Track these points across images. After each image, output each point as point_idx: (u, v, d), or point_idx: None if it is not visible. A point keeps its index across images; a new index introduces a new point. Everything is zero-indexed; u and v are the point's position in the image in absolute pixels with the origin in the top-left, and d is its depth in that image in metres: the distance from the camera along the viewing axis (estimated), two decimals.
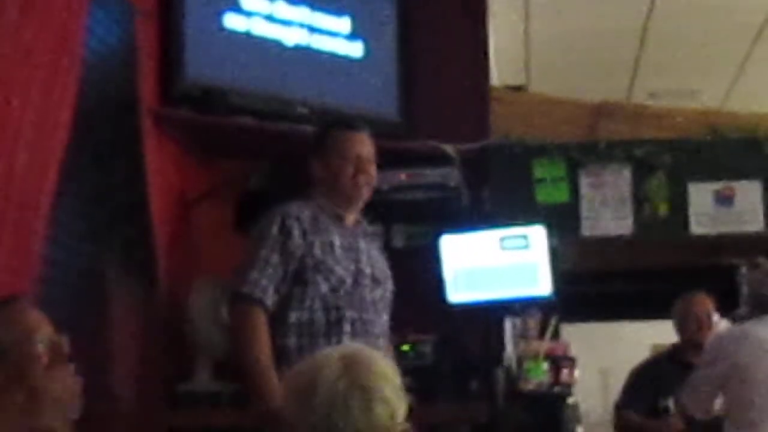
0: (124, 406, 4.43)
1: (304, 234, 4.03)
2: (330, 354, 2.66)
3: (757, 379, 5.07)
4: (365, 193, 4.19)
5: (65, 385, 2.68)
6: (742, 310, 5.62)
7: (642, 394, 6.22)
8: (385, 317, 4.20)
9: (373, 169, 4.18)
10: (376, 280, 4.18)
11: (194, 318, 4.80)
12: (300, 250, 4.02)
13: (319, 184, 4.19)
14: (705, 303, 6.23)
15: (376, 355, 2.70)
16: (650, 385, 6.16)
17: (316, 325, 3.98)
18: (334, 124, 4.32)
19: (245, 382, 3.92)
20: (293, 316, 3.99)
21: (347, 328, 4.00)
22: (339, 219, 4.16)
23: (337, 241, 4.09)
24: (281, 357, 3.87)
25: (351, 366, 2.60)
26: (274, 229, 4.01)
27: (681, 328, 6.25)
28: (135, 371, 4.57)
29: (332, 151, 4.17)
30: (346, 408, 2.53)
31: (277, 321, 3.97)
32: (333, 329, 3.98)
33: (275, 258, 3.99)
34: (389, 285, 4.27)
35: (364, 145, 4.19)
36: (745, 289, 5.55)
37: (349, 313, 4.03)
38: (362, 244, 4.19)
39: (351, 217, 4.22)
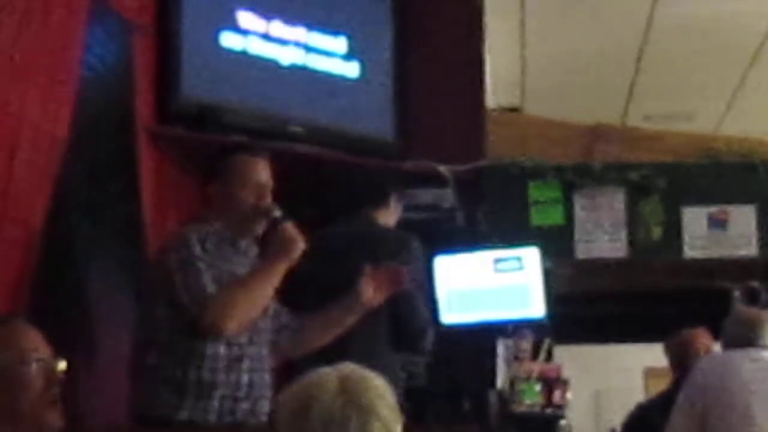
0: (116, 423, 4.41)
1: (211, 264, 3.85)
2: (326, 373, 2.66)
3: (737, 411, 5.08)
4: (263, 223, 4.00)
5: (53, 412, 2.68)
6: (728, 336, 5.55)
7: None
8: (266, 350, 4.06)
9: (270, 198, 4.01)
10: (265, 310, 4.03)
11: None
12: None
13: (216, 208, 4.00)
14: (705, 340, 6.03)
15: (371, 375, 2.70)
16: None
17: (219, 362, 3.81)
18: (235, 149, 4.15)
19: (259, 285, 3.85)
20: (209, 349, 3.80)
21: (246, 364, 3.87)
22: (235, 245, 3.99)
23: (239, 272, 3.92)
24: (201, 389, 3.78)
25: (347, 384, 2.60)
26: (196, 250, 3.80)
27: (679, 366, 6.01)
28: (123, 390, 4.55)
29: (232, 176, 3.99)
30: (344, 427, 2.54)
31: (194, 353, 3.79)
32: (233, 364, 3.84)
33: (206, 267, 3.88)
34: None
35: (264, 172, 4.03)
36: (731, 323, 5.50)
37: (251, 349, 3.90)
38: None
39: (245, 244, 4.04)
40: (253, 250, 4.04)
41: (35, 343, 2.68)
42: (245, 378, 3.83)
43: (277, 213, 3.90)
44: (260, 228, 3.96)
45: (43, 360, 2.67)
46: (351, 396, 2.57)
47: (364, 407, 2.57)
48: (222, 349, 3.79)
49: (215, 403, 3.78)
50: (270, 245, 3.87)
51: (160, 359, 3.77)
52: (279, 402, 2.70)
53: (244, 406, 3.83)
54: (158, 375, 3.76)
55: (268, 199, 3.97)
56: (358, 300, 4.12)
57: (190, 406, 3.74)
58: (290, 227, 3.86)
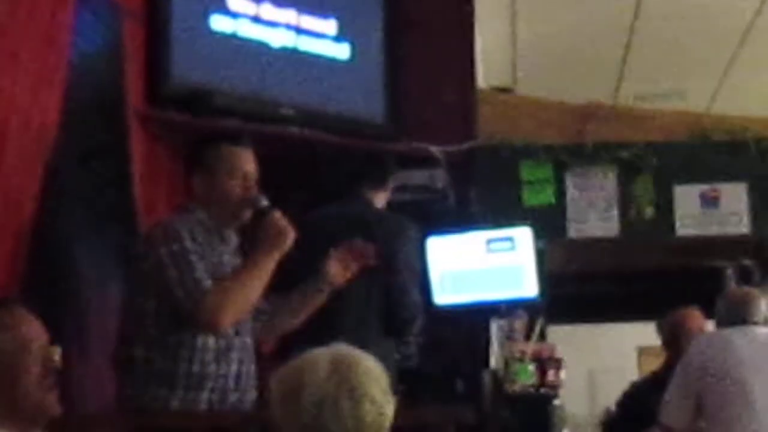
0: (105, 409, 4.41)
1: (201, 256, 3.83)
2: (318, 355, 2.67)
3: (733, 389, 5.09)
4: (249, 213, 3.98)
5: (51, 397, 2.69)
6: (721, 314, 5.55)
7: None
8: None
9: (256, 188, 3.99)
10: None
11: None
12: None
13: (200, 199, 3.96)
14: (698, 319, 5.98)
15: (363, 356, 2.70)
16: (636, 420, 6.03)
17: (207, 353, 3.81)
18: (220, 139, 4.09)
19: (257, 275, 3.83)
20: (199, 342, 3.80)
21: (235, 355, 3.88)
22: (221, 236, 3.97)
23: (226, 264, 3.91)
24: (191, 381, 3.78)
25: (339, 366, 2.61)
26: (188, 243, 3.77)
27: (672, 346, 5.98)
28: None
29: (219, 167, 3.95)
30: (336, 408, 2.54)
31: (184, 346, 3.78)
32: (222, 356, 3.85)
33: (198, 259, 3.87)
34: None
35: (251, 163, 3.99)
36: (723, 302, 5.50)
37: (237, 340, 3.91)
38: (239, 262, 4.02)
39: (230, 234, 4.02)
40: (234, 239, 4.02)
41: (36, 330, 2.70)
42: (234, 369, 3.84)
43: (264, 203, 3.89)
44: (246, 217, 3.95)
45: (42, 347, 2.68)
46: (342, 377, 2.58)
47: (356, 388, 2.58)
48: (211, 341, 3.79)
49: (205, 395, 3.78)
50: (260, 236, 3.85)
51: (149, 352, 3.76)
52: (272, 384, 2.70)
53: (233, 397, 3.83)
54: (147, 368, 3.75)
55: (255, 190, 3.94)
56: (324, 279, 4.12)
57: (180, 398, 3.74)
58: (279, 217, 3.85)
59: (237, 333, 3.87)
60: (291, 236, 3.82)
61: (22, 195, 3.62)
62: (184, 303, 3.70)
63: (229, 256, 3.93)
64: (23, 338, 2.66)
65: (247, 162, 3.98)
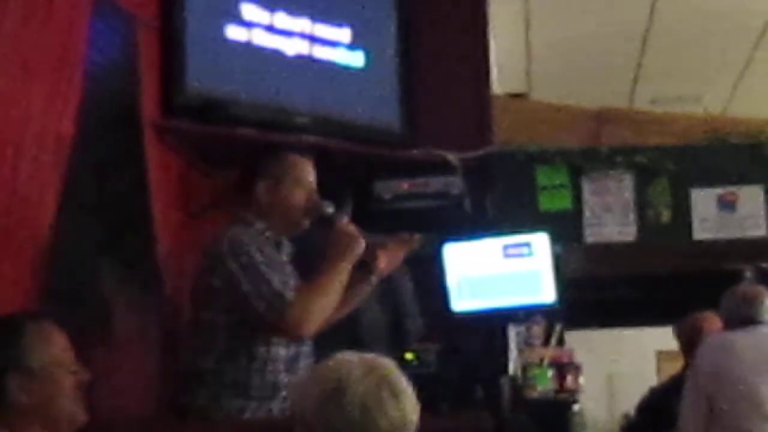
0: (130, 418, 4.42)
1: (272, 267, 3.88)
2: (347, 357, 2.73)
3: (743, 391, 5.08)
4: (308, 221, 4.08)
5: (79, 409, 2.73)
6: (728, 314, 5.53)
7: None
8: None
9: (318, 197, 4.10)
10: None
11: None
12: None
13: (261, 209, 4.04)
14: (715, 323, 5.96)
15: (385, 358, 2.77)
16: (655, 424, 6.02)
17: (278, 362, 3.89)
18: (286, 149, 4.21)
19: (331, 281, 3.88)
20: (270, 352, 3.88)
21: (302, 363, 3.94)
22: (278, 246, 4.05)
23: (289, 273, 3.97)
24: (265, 391, 3.86)
25: (373, 366, 2.68)
26: (257, 255, 3.84)
27: (690, 350, 5.95)
28: (141, 384, 4.57)
29: (288, 177, 4.07)
30: (380, 403, 2.60)
31: (257, 358, 3.86)
32: (292, 364, 3.91)
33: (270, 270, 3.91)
34: None
35: (312, 173, 4.12)
36: (731, 301, 5.49)
37: (304, 348, 3.99)
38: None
39: (285, 242, 4.11)
40: (288, 247, 4.10)
41: (65, 346, 2.76)
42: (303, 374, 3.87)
43: (331, 210, 3.97)
44: (305, 225, 4.05)
45: (72, 363, 2.73)
46: (380, 376, 2.65)
47: (395, 385, 2.64)
48: (282, 351, 3.88)
49: (277, 404, 3.85)
50: (330, 244, 3.91)
51: (220, 363, 3.84)
52: (301, 392, 2.73)
53: None
54: (219, 379, 3.83)
55: (318, 198, 4.06)
56: (374, 272, 4.23)
57: (253, 409, 3.81)
58: (346, 224, 3.95)
59: (303, 341, 3.95)
60: (362, 242, 3.92)
61: (39, 207, 3.63)
62: (266, 316, 3.76)
63: (287, 266, 3.99)
64: (57, 353, 2.70)
65: (311, 172, 4.11)
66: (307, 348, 3.98)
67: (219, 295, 3.84)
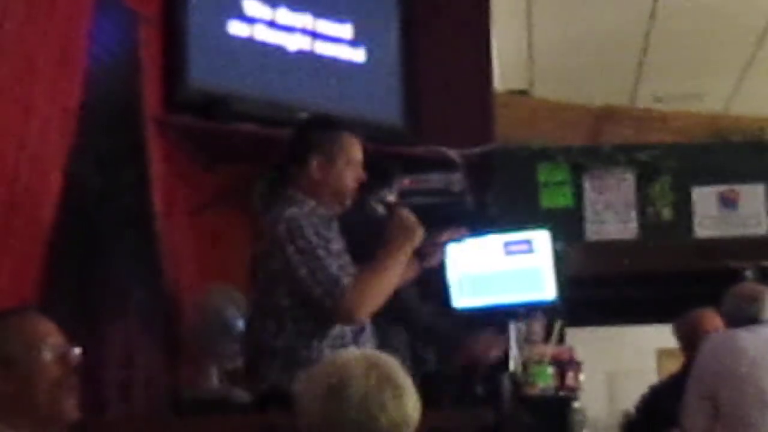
0: (130, 412, 4.43)
1: (328, 250, 3.89)
2: (350, 354, 2.75)
3: (748, 389, 5.08)
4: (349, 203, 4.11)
5: (69, 400, 2.69)
6: (730, 313, 5.52)
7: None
8: None
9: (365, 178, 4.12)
10: None
11: (202, 325, 4.79)
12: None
13: (313, 185, 4.01)
14: (715, 320, 5.91)
15: (387, 355, 2.78)
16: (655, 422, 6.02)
17: (346, 338, 3.92)
18: (338, 126, 4.17)
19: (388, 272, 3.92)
20: (337, 329, 3.89)
21: (365, 336, 3.98)
22: (329, 222, 4.03)
23: (343, 253, 3.97)
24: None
25: (374, 364, 2.70)
26: (313, 238, 3.84)
27: (689, 348, 5.93)
28: (142, 377, 4.58)
29: (339, 154, 4.04)
30: (380, 399, 2.61)
31: (325, 335, 3.88)
32: (358, 337, 3.96)
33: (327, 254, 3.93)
34: None
35: (361, 154, 4.12)
36: (732, 299, 5.48)
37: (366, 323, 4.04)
38: None
39: (335, 221, 4.09)
40: (335, 225, 4.07)
41: (47, 332, 2.69)
42: (368, 348, 3.88)
43: (392, 198, 4.00)
44: (349, 205, 4.06)
45: (55, 347, 2.68)
46: (381, 373, 2.66)
47: (395, 382, 2.65)
48: (347, 326, 3.91)
49: None
50: (389, 233, 3.94)
51: (290, 342, 3.84)
52: (301, 387, 2.74)
53: None
54: (291, 357, 3.83)
55: (364, 178, 4.07)
56: (427, 261, 4.43)
57: None
58: (406, 212, 3.98)
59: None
60: (420, 232, 3.97)
61: (42, 202, 3.63)
62: (322, 301, 3.78)
63: (337, 244, 3.98)
64: (33, 340, 2.66)
65: (360, 152, 4.09)
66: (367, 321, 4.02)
67: (280, 278, 3.86)
